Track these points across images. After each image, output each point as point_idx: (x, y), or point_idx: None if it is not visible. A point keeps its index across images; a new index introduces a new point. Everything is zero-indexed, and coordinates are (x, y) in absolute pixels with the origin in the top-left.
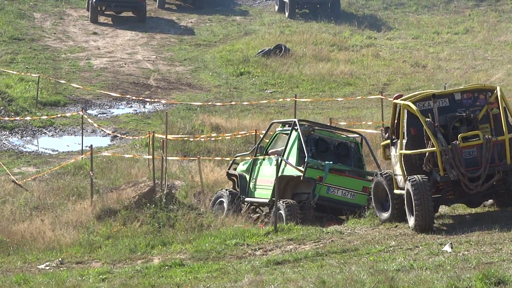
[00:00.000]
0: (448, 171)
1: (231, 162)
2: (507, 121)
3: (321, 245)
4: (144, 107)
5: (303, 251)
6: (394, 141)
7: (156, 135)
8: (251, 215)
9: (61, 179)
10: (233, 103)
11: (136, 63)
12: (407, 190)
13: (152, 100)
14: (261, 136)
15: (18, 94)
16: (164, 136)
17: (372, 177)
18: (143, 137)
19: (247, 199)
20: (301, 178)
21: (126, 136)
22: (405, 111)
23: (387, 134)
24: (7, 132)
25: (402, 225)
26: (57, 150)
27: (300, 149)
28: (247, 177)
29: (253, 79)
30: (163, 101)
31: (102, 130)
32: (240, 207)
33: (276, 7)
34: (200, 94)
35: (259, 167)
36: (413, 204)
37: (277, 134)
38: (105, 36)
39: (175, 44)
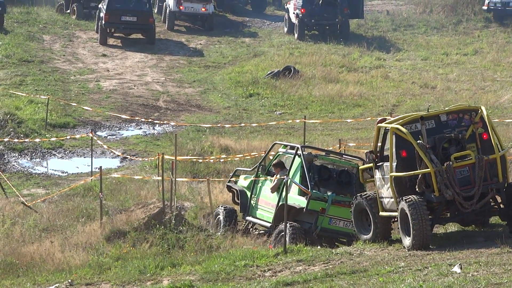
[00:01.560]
0: (443, 191)
1: (231, 174)
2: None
3: (331, 266)
4: (154, 128)
5: (313, 272)
6: (378, 164)
7: (165, 156)
8: (254, 232)
9: (71, 200)
10: (242, 124)
11: (146, 85)
12: (402, 210)
13: (162, 122)
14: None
15: (27, 116)
16: (174, 158)
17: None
18: (152, 158)
19: (247, 217)
20: (304, 210)
21: (136, 157)
22: (394, 134)
23: (370, 158)
24: (17, 154)
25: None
26: (67, 172)
27: (303, 177)
28: (248, 194)
29: (262, 100)
30: (172, 123)
31: (112, 152)
32: (236, 222)
33: (285, 29)
34: (210, 115)
35: (260, 187)
36: (411, 224)
37: (278, 154)
38: (115, 58)
39: (184, 66)
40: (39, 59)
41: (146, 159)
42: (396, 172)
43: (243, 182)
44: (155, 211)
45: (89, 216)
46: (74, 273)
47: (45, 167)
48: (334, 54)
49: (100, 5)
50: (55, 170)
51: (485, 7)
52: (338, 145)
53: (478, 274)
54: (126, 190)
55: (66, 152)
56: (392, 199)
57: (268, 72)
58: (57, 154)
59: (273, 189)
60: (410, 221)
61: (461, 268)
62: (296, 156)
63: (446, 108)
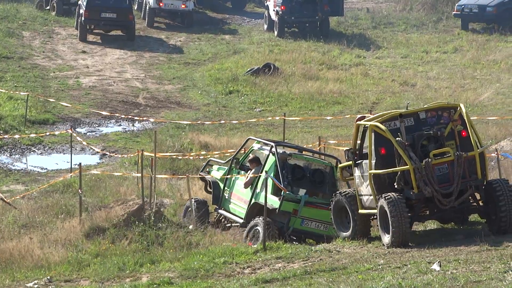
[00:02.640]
0: (422, 188)
1: (204, 164)
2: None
3: (310, 263)
4: (133, 125)
5: (292, 270)
6: (357, 162)
7: (145, 153)
8: (226, 225)
9: (50, 197)
10: (222, 121)
11: (125, 81)
12: (381, 208)
13: (141, 118)
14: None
15: (7, 113)
16: (153, 154)
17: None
18: (132, 155)
19: (220, 210)
20: (277, 211)
21: (115, 154)
22: (373, 131)
23: (349, 155)
24: None
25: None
26: (46, 168)
27: (276, 176)
28: (221, 186)
29: (242, 97)
30: (152, 120)
31: (91, 148)
32: (207, 214)
33: (265, 26)
34: (189, 112)
35: (234, 181)
36: (390, 221)
37: (252, 149)
38: (94, 55)
39: (164, 63)
40: (18, 56)
41: (126, 155)
42: (375, 169)
43: (216, 173)
44: (134, 208)
45: (69, 212)
46: (53, 269)
47: (25, 164)
48: (314, 51)
49: (79, 2)
50: (35, 167)
51: (455, 12)
52: (318, 143)
53: (457, 271)
54: (105, 187)
55: (46, 149)
56: (372, 197)
57: (248, 69)
58: (36, 150)
59: (246, 185)
60: (389, 219)
61: (440, 266)
62: (270, 154)
63: (425, 106)
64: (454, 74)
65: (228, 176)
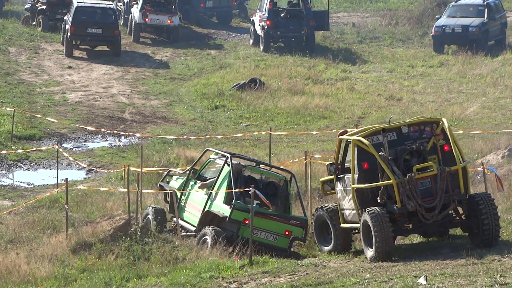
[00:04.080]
0: (405, 202)
1: (164, 174)
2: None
3: (296, 277)
4: (119, 140)
5: (278, 284)
6: (339, 176)
7: (131, 168)
8: (181, 233)
9: (36, 212)
10: (207, 136)
11: (111, 97)
12: (364, 222)
13: (127, 133)
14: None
15: None
16: (140, 170)
17: (296, 221)
18: (118, 170)
19: (174, 219)
20: (227, 219)
21: (101, 169)
22: (355, 146)
23: (331, 170)
24: None
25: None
26: (33, 184)
27: (229, 186)
28: (178, 195)
29: (228, 112)
30: (138, 135)
31: (78, 164)
32: (165, 222)
33: (251, 41)
34: (175, 127)
35: (190, 190)
36: (373, 235)
37: (209, 160)
38: (80, 70)
39: (150, 78)
40: (4, 71)
41: (112, 171)
42: (358, 184)
43: (174, 183)
44: (121, 223)
45: (55, 228)
46: (40, 285)
47: (11, 179)
48: (299, 66)
49: (65, 17)
50: (21, 182)
51: (434, 33)
52: (304, 157)
53: (444, 285)
54: (92, 202)
55: (32, 164)
56: (354, 211)
57: (234, 84)
58: (23, 166)
59: (202, 186)
60: (372, 233)
61: (426, 280)
62: (225, 165)
63: (408, 120)
64: (440, 88)
65: (185, 183)
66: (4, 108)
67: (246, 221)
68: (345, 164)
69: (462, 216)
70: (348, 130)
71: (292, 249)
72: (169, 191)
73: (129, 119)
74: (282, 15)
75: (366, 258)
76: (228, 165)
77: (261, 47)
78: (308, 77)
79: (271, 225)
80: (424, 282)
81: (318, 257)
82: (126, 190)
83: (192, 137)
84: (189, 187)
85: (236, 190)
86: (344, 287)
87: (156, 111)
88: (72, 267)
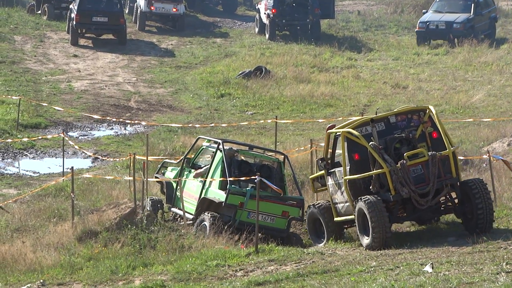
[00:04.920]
0: (399, 189)
1: (159, 166)
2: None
3: (302, 265)
4: (125, 129)
5: (284, 272)
6: (330, 171)
7: (137, 156)
8: (180, 223)
9: (42, 201)
10: (213, 124)
11: (117, 85)
12: (360, 211)
13: (133, 122)
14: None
15: None
16: (145, 158)
17: (293, 201)
18: (124, 158)
19: (173, 209)
20: (223, 204)
21: (107, 158)
22: (345, 138)
23: (321, 165)
24: None
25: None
26: (38, 172)
27: (223, 172)
28: (174, 185)
29: (234, 100)
30: (143, 123)
31: (83, 152)
32: (162, 212)
33: (257, 29)
34: (181, 116)
35: (185, 180)
36: (370, 223)
37: (202, 148)
38: (86, 59)
39: (155, 66)
40: (10, 60)
41: (118, 159)
42: (350, 175)
43: (169, 174)
44: (126, 211)
45: (61, 216)
46: (46, 273)
47: (17, 168)
48: (305, 54)
49: (71, 6)
50: (27, 171)
51: (418, 29)
52: (310, 145)
53: (450, 273)
54: (97, 190)
55: (38, 153)
56: (347, 204)
57: (240, 73)
58: (28, 154)
59: (196, 175)
60: (369, 221)
61: (432, 268)
62: (218, 151)
63: (395, 110)
64: (446, 76)
65: (180, 172)
66: (10, 96)
67: (242, 205)
68: (335, 158)
69: (455, 201)
70: (335, 124)
71: (290, 230)
72: (164, 181)
73: (135, 108)
74: (287, 3)
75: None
76: (221, 151)
77: (267, 35)
78: (313, 65)
79: (268, 207)
80: (430, 270)
81: (324, 245)
82: (132, 178)
83: (197, 126)
84: (184, 177)
85: (244, 179)
86: (350, 275)
87: (162, 100)
88: (78, 256)
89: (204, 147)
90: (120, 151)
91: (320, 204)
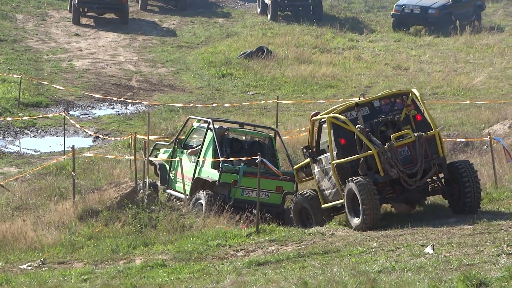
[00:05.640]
0: (388, 170)
1: (152, 148)
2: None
3: (303, 246)
4: (126, 108)
5: (285, 252)
6: (316, 158)
7: (138, 136)
8: (176, 204)
9: (43, 179)
10: (214, 104)
11: (118, 64)
12: (349, 191)
13: (134, 101)
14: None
15: (0, 95)
16: (146, 137)
17: (286, 176)
18: (125, 138)
19: (168, 190)
20: (217, 183)
21: (108, 137)
22: (331, 124)
23: (307, 153)
24: None
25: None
26: (39, 151)
27: (215, 151)
28: (167, 167)
29: (235, 81)
30: (145, 103)
31: (84, 131)
32: (157, 195)
33: (258, 9)
34: (182, 95)
35: (178, 161)
36: (360, 204)
37: (193, 128)
38: (87, 38)
39: (157, 46)
40: (12, 38)
41: (119, 138)
42: (337, 159)
43: (162, 156)
44: (127, 191)
45: (62, 195)
46: (47, 252)
47: (18, 146)
48: (307, 35)
49: None
50: (28, 149)
51: (394, 12)
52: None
53: (451, 255)
54: (98, 169)
55: (39, 131)
56: (334, 189)
57: (241, 53)
58: (29, 133)
59: (191, 153)
60: (359, 201)
61: (433, 249)
62: (208, 130)
63: (378, 94)
64: (447, 58)
65: (173, 154)
66: (11, 75)
67: (236, 183)
68: (320, 146)
69: (443, 182)
70: (319, 111)
71: (285, 205)
72: (157, 164)
73: (136, 87)
74: None
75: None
76: (211, 130)
77: (269, 16)
78: (315, 46)
79: (262, 183)
80: (431, 251)
81: (325, 226)
82: (133, 157)
83: (199, 105)
84: (177, 158)
85: (245, 159)
86: (351, 256)
87: (163, 79)
88: (79, 234)
89: (194, 127)
90: (121, 130)
91: (306, 193)
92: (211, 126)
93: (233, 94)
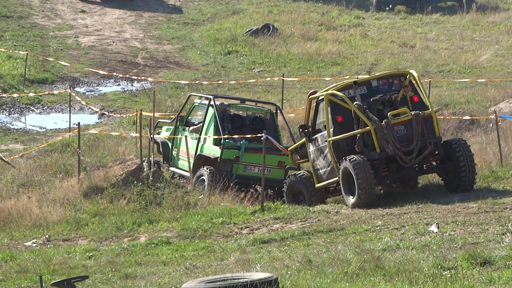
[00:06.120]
0: (384, 146)
1: (154, 126)
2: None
3: (308, 224)
4: (132, 85)
5: (290, 230)
6: (312, 137)
7: (143, 113)
8: (180, 181)
9: (49, 156)
10: (220, 82)
11: (124, 41)
12: (345, 170)
13: (140, 78)
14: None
15: (6, 71)
16: (152, 114)
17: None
18: (130, 115)
19: (171, 168)
20: (218, 159)
21: (114, 114)
22: (328, 101)
23: (303, 131)
24: None
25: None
26: (45, 128)
27: (216, 127)
28: (170, 145)
29: (241, 58)
30: (150, 79)
31: (90, 108)
32: (161, 174)
33: None
34: (188, 72)
35: (180, 138)
36: (356, 182)
37: (194, 105)
38: (93, 14)
39: (163, 23)
40: (18, 15)
41: (124, 115)
42: (334, 136)
43: (165, 133)
44: (132, 168)
45: (67, 172)
46: (52, 228)
47: (23, 123)
48: (313, 12)
49: None
50: (33, 126)
51: None
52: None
53: (455, 233)
54: (104, 146)
55: (44, 108)
56: (329, 168)
57: (247, 30)
58: (35, 109)
59: (192, 130)
60: (355, 179)
61: (438, 228)
62: (210, 107)
63: (377, 74)
64: (453, 35)
65: (175, 131)
66: (17, 51)
67: (238, 159)
68: (316, 126)
69: (438, 161)
70: (316, 90)
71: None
72: (160, 141)
73: (142, 64)
74: None
75: (382, 205)
76: (212, 106)
77: None
78: (321, 23)
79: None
80: (435, 230)
81: (329, 204)
82: (138, 135)
83: (204, 82)
84: (179, 135)
85: (247, 137)
86: (356, 234)
87: (169, 56)
88: (84, 211)
89: (196, 104)
90: (126, 107)
91: (301, 173)
92: (212, 102)
93: (238, 71)
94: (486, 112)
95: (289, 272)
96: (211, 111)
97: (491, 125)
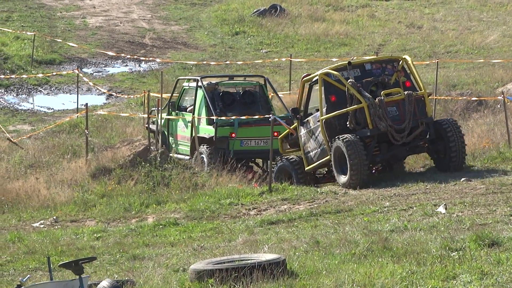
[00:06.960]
0: (377, 123)
1: (147, 116)
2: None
3: (315, 205)
4: (140, 66)
5: (297, 211)
6: (303, 120)
7: (151, 94)
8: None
9: (56, 137)
10: (228, 62)
11: (132, 22)
12: (337, 149)
13: (147, 59)
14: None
15: (13, 52)
16: (159, 95)
17: (281, 121)
18: (138, 95)
19: (170, 154)
20: (214, 138)
21: (122, 94)
22: (322, 81)
23: (295, 114)
24: (3, 90)
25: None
26: (53, 108)
27: (207, 107)
28: (166, 132)
29: (248, 38)
30: (158, 60)
31: (98, 89)
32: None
33: None
34: (195, 53)
35: (175, 124)
36: (348, 161)
37: (184, 89)
38: None
39: (170, 3)
40: None
41: (132, 96)
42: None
43: (159, 121)
44: (140, 149)
45: (75, 153)
46: (59, 209)
47: (31, 104)
48: None
49: None
50: (41, 107)
51: None
52: None
53: (463, 214)
54: (111, 127)
55: (52, 89)
56: (320, 148)
57: (254, 10)
58: (43, 90)
59: (191, 110)
60: (347, 159)
61: (446, 209)
62: (198, 88)
63: (370, 58)
64: (461, 16)
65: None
66: (24, 32)
67: (233, 135)
68: (308, 111)
69: (427, 142)
70: (310, 73)
71: None
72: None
73: (149, 44)
74: None
75: (389, 186)
76: (201, 87)
77: None
78: (328, 4)
79: (258, 131)
80: (443, 211)
81: (337, 185)
82: (146, 115)
83: (212, 63)
84: (173, 121)
85: (258, 117)
86: (364, 215)
87: (176, 37)
88: (92, 193)
89: (185, 87)
90: (134, 88)
91: (292, 157)
92: (200, 83)
93: (246, 52)
94: (493, 93)
95: (296, 253)
96: (200, 92)
97: (498, 106)
